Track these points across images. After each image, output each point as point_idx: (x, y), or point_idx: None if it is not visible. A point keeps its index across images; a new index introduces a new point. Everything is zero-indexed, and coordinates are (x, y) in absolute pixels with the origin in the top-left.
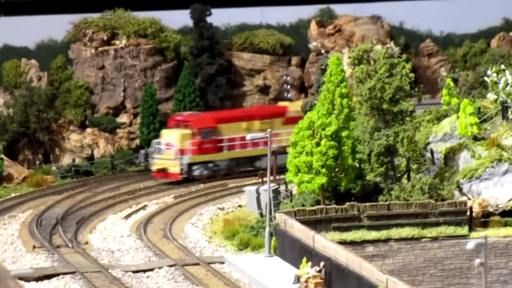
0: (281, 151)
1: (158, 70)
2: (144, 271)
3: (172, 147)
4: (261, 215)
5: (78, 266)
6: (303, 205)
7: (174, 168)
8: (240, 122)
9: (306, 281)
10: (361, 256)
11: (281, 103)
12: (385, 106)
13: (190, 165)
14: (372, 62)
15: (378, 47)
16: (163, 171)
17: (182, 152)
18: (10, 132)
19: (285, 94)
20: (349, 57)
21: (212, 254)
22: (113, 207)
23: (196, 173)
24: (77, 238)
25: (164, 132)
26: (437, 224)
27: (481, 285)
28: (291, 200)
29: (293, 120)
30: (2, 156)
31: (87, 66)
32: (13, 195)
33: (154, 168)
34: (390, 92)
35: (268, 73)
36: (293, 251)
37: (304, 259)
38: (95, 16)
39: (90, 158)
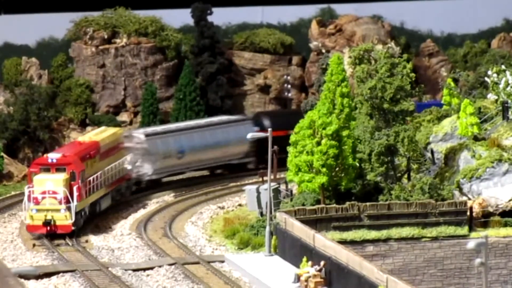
0: (103, 195)
1: (158, 68)
2: (144, 269)
3: (56, 195)
4: (261, 214)
5: (78, 264)
6: (303, 204)
7: (65, 220)
8: (88, 160)
9: (306, 280)
10: (361, 255)
11: (83, 138)
12: (385, 105)
13: (76, 214)
14: (373, 62)
15: (379, 47)
16: (48, 225)
17: (69, 199)
18: (10, 130)
19: (286, 94)
20: (350, 57)
21: (212, 253)
22: (113, 205)
23: (81, 222)
24: (77, 236)
25: (40, 179)
26: (437, 224)
27: (481, 285)
28: (291, 200)
29: (107, 154)
30: (2, 154)
31: (88, 64)
32: (13, 193)
33: (30, 222)
34: (391, 91)
35: (268, 73)
36: (293, 250)
37: (305, 258)
38: (96, 14)
39: None
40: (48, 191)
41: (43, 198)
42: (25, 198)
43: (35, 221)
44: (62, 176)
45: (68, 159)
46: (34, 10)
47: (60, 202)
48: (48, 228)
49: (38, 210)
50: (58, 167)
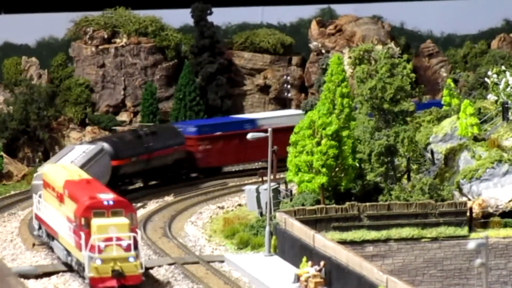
0: None
1: (158, 68)
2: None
3: (120, 241)
4: (261, 214)
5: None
6: (303, 205)
7: (135, 270)
8: None
9: (306, 280)
10: (361, 256)
11: (71, 177)
12: (385, 106)
13: None
14: (373, 62)
15: (379, 47)
16: (117, 276)
17: (137, 246)
18: (10, 129)
19: (286, 94)
20: (350, 57)
21: (212, 253)
22: None
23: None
24: None
25: (101, 224)
26: (437, 224)
27: (481, 286)
28: (291, 200)
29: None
30: (2, 153)
31: (88, 64)
32: (12, 192)
33: (95, 274)
34: (391, 92)
35: (268, 73)
36: (293, 250)
37: (304, 259)
38: (96, 14)
39: None
40: (113, 238)
41: (106, 246)
42: (83, 247)
43: (101, 273)
44: (125, 220)
45: (123, 201)
46: (34, 9)
47: (126, 250)
48: (116, 280)
49: (103, 260)
50: (114, 210)
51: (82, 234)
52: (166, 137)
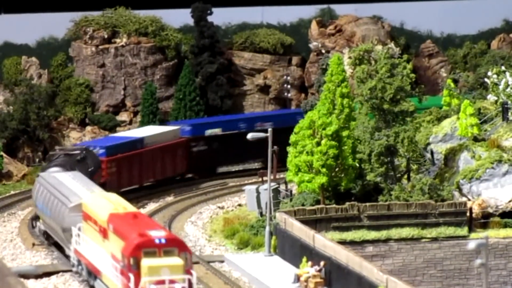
0: None
1: (158, 68)
2: None
3: (174, 284)
4: (261, 214)
5: None
6: (303, 205)
7: None
8: None
9: (306, 280)
10: (361, 256)
11: (116, 211)
12: (385, 106)
13: None
14: (373, 62)
15: (379, 47)
16: None
17: None
18: (10, 129)
19: (285, 94)
20: (350, 57)
21: (212, 253)
22: None
23: None
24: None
25: (153, 265)
26: (437, 224)
27: (481, 286)
28: (291, 200)
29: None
30: (2, 153)
31: (88, 64)
32: (12, 192)
33: None
34: (391, 92)
35: (268, 73)
36: (293, 250)
37: (304, 259)
38: (96, 14)
39: None
40: (166, 281)
41: None
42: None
43: None
44: (179, 260)
45: (177, 239)
46: (34, 9)
47: None
48: None
49: None
50: (166, 249)
51: (131, 276)
52: (93, 160)
